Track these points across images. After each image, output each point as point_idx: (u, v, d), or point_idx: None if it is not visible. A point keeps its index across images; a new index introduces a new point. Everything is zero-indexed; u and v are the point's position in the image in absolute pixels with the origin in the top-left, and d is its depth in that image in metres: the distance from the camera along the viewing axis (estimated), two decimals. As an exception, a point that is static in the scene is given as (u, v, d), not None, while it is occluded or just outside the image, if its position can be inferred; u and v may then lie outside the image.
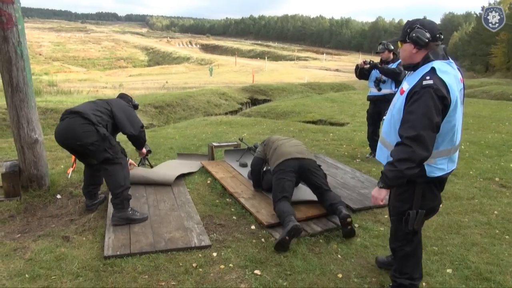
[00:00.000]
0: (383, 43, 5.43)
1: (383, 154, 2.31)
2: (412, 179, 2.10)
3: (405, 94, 2.10)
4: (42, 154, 3.88)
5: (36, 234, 3.20)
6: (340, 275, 2.67)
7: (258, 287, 2.50)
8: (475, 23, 59.65)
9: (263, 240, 3.12)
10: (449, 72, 2.05)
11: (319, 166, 3.67)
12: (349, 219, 3.12)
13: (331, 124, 9.82)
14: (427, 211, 2.19)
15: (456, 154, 2.23)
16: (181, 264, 2.71)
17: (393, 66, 5.26)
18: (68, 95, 13.99)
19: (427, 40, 2.07)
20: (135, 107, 3.88)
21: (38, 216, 3.55)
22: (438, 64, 2.05)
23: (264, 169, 4.01)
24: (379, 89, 5.41)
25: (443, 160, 2.15)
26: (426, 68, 2.06)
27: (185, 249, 2.90)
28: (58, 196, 3.91)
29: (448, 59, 2.13)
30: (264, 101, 16.70)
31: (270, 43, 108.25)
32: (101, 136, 3.13)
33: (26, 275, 2.53)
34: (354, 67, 5.70)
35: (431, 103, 1.96)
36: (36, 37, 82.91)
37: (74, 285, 2.44)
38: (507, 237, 3.27)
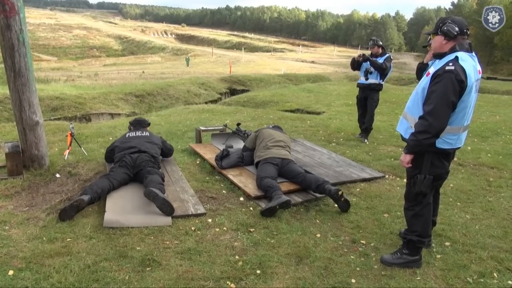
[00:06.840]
0: (373, 39, 6.24)
1: (403, 126, 2.73)
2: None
3: (430, 76, 2.47)
4: (42, 135, 4.13)
5: (43, 207, 3.49)
6: (318, 235, 3.13)
7: (250, 244, 2.92)
8: (444, 18, 61.27)
9: (251, 208, 3.54)
10: (469, 62, 2.41)
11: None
12: (340, 192, 3.52)
13: (308, 112, 10.29)
14: (434, 177, 2.54)
15: (465, 134, 2.60)
16: (181, 228, 3.09)
17: (381, 60, 6.02)
18: (45, 83, 13.85)
19: (455, 33, 2.44)
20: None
21: (41, 193, 3.82)
22: (461, 54, 2.41)
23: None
24: (367, 79, 6.17)
25: (451, 136, 2.51)
26: (451, 56, 2.43)
27: (183, 217, 3.28)
28: (58, 175, 4.18)
29: (472, 52, 2.48)
30: (243, 91, 17.01)
31: (247, 34, 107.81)
32: None
33: (44, 238, 2.85)
34: (351, 61, 6.38)
35: (450, 85, 2.33)
36: (2, 24, 78.95)
37: (89, 245, 2.78)
38: (458, 204, 3.83)
